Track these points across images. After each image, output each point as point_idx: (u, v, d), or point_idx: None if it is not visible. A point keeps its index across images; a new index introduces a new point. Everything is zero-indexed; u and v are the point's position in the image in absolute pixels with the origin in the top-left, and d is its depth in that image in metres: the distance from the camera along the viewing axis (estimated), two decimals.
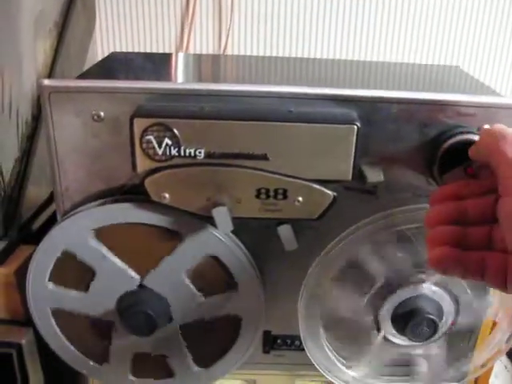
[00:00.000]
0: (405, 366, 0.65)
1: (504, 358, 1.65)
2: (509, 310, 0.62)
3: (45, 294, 0.60)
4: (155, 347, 0.62)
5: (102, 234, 0.57)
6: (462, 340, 0.66)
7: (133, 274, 0.58)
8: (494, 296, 0.61)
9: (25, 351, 0.64)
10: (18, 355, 0.63)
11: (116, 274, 0.58)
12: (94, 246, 0.57)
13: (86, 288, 0.59)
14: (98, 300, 0.59)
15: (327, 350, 0.64)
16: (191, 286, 0.59)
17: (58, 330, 0.62)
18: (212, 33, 1.06)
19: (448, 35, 1.10)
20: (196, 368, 0.64)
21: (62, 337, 0.62)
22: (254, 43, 1.07)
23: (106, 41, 1.06)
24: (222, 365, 0.64)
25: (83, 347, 0.63)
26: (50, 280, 0.59)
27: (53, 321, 0.61)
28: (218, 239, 0.56)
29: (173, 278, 0.58)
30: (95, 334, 0.62)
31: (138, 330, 0.58)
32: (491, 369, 1.17)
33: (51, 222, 0.61)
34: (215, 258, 0.58)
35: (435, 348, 0.63)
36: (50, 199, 0.76)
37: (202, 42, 1.07)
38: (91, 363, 0.64)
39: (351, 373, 0.64)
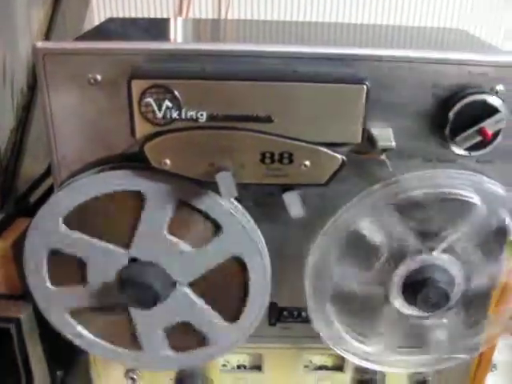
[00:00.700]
0: (420, 336, 0.63)
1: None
2: None
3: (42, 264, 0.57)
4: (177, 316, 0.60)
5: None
6: (480, 304, 0.63)
7: (120, 249, 0.56)
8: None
9: (24, 326, 0.63)
10: (17, 330, 0.62)
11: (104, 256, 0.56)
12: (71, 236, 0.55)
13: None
14: (100, 288, 0.58)
15: (335, 322, 0.62)
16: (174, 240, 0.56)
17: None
18: None
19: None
20: (169, 352, 0.62)
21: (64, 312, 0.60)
22: (255, 8, 1.04)
23: (103, 9, 1.03)
24: (247, 316, 0.60)
25: (84, 322, 0.61)
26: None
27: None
28: (222, 206, 0.54)
29: (159, 239, 0.56)
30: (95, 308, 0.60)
31: (142, 303, 0.56)
32: (495, 345, 1.16)
33: (48, 194, 0.59)
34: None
35: (452, 315, 0.61)
36: (48, 172, 0.74)
37: (202, 8, 1.04)
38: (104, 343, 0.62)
39: (366, 348, 0.62)
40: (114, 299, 0.58)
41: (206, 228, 0.56)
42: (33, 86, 0.72)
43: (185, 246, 0.56)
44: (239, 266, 0.57)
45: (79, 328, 0.61)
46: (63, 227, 0.55)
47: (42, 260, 0.57)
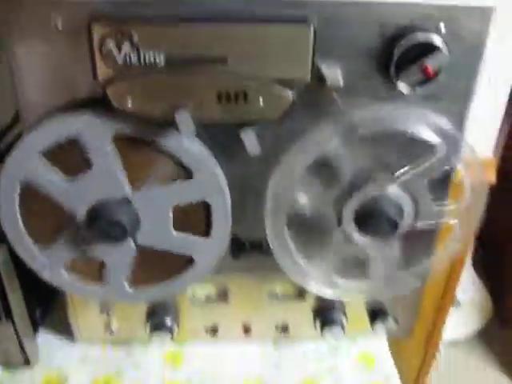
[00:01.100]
0: (361, 266, 0.68)
1: (472, 273, 1.73)
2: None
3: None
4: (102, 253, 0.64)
5: None
6: (422, 241, 0.68)
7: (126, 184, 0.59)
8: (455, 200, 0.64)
9: (1, 269, 0.65)
10: None
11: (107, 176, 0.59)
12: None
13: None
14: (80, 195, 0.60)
15: (294, 253, 0.66)
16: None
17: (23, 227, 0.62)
18: None
19: None
20: (128, 289, 0.66)
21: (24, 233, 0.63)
22: None
23: None
24: (186, 276, 0.66)
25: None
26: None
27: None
28: (181, 144, 0.57)
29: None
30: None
31: (110, 238, 0.60)
32: (456, 281, 1.23)
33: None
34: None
35: (391, 249, 0.66)
36: (14, 121, 0.76)
37: None
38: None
39: (311, 269, 0.67)
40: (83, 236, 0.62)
41: (172, 169, 0.59)
42: None
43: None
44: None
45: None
46: (40, 161, 0.58)
47: (14, 200, 0.60)
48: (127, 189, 0.59)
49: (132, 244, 0.63)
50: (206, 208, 0.61)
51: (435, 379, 1.51)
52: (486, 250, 1.86)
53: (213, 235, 0.62)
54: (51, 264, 0.64)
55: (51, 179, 0.59)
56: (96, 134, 0.57)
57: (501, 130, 1.02)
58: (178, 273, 0.65)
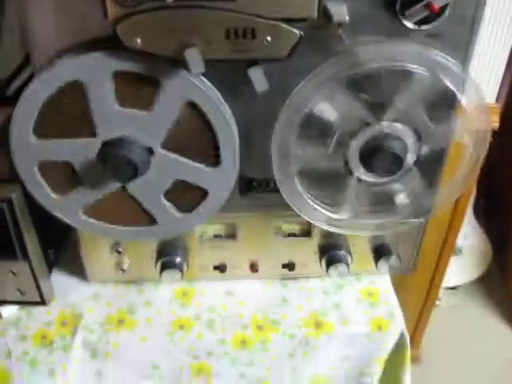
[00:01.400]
0: (384, 201, 0.69)
1: (473, 221, 1.75)
2: (472, 131, 0.65)
3: (29, 149, 0.62)
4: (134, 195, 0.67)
5: None
6: (435, 167, 0.70)
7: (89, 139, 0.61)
8: (459, 119, 0.65)
9: (15, 205, 0.67)
10: (9, 209, 0.67)
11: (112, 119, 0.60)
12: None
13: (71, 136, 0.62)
14: (85, 146, 0.62)
15: (302, 194, 0.68)
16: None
17: (41, 179, 0.65)
18: None
19: None
20: (178, 214, 0.68)
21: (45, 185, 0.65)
22: None
23: None
24: (201, 210, 0.68)
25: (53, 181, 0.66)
26: (34, 133, 0.61)
27: (36, 170, 0.64)
28: (191, 81, 0.58)
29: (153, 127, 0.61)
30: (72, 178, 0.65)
31: (119, 176, 0.61)
32: (457, 228, 1.25)
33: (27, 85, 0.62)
34: (192, 107, 0.60)
35: (410, 179, 0.68)
36: (25, 62, 0.77)
37: None
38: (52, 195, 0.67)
39: (335, 216, 0.69)
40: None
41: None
42: None
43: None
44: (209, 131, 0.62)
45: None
46: None
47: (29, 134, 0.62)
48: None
49: None
50: (214, 140, 0.62)
51: (435, 326, 1.55)
52: (487, 198, 1.87)
53: (222, 165, 0.64)
54: (73, 208, 0.68)
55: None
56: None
57: (505, 76, 1.03)
58: (198, 204, 0.67)
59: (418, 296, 1.40)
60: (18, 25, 0.60)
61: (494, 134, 1.04)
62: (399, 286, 1.22)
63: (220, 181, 0.65)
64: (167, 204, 0.67)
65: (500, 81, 1.00)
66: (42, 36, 0.58)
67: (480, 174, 1.11)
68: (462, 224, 1.24)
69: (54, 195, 0.66)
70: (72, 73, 0.58)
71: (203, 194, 0.66)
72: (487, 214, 1.89)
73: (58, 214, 0.68)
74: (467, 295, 1.83)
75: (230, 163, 0.64)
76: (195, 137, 0.62)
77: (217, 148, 0.63)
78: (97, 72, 0.58)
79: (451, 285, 1.80)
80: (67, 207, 0.67)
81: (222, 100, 0.61)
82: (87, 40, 0.58)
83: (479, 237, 1.76)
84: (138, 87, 0.59)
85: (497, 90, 1.02)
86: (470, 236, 1.74)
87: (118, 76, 0.58)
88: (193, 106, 0.60)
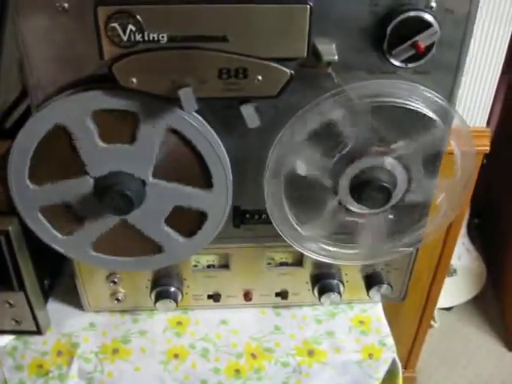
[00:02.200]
0: (350, 234, 0.71)
1: (467, 242, 1.76)
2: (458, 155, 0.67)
3: (28, 194, 0.64)
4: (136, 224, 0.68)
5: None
6: (412, 214, 0.72)
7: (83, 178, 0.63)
8: (442, 181, 0.68)
9: (12, 237, 0.68)
10: (7, 241, 0.68)
11: (99, 155, 0.62)
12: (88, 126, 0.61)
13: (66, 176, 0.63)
14: (79, 185, 0.64)
15: (292, 221, 0.69)
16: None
17: (45, 221, 0.67)
18: None
19: None
20: (182, 239, 0.69)
21: (40, 216, 0.67)
22: None
23: None
24: (203, 233, 0.69)
25: (54, 220, 0.68)
26: (29, 179, 0.64)
27: (39, 214, 0.66)
28: (184, 119, 0.60)
29: (146, 160, 0.63)
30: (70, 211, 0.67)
31: (116, 210, 0.63)
32: (451, 250, 1.26)
33: (25, 119, 0.63)
34: (185, 142, 0.62)
35: (381, 220, 0.69)
36: (20, 98, 0.78)
37: None
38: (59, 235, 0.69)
39: (304, 232, 0.70)
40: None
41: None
42: (1, 17, 0.74)
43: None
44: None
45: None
46: None
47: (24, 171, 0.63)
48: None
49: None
50: (204, 164, 0.64)
51: (430, 346, 1.55)
52: (481, 218, 1.89)
53: (215, 187, 0.65)
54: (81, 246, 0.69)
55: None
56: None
57: (497, 99, 1.05)
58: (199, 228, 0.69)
59: (413, 317, 1.40)
60: (17, 60, 0.61)
61: (486, 156, 1.06)
62: (394, 307, 1.23)
63: (216, 201, 0.66)
64: (169, 230, 0.69)
65: (490, 105, 1.02)
66: (40, 74, 0.60)
67: (473, 194, 1.13)
68: (455, 245, 1.25)
69: (60, 236, 0.68)
70: (55, 117, 0.60)
71: (202, 216, 0.68)
72: (481, 234, 1.90)
73: (69, 254, 0.70)
74: (462, 316, 1.83)
75: (222, 185, 0.65)
76: (186, 164, 0.64)
77: (208, 171, 0.64)
78: (77, 114, 0.60)
79: (446, 305, 1.81)
80: (76, 246, 0.69)
81: (210, 129, 0.62)
82: (83, 78, 0.60)
83: (473, 257, 1.76)
84: (122, 123, 0.61)
85: (487, 115, 1.04)
86: (464, 257, 1.75)
87: (99, 114, 0.60)
88: (180, 135, 0.62)
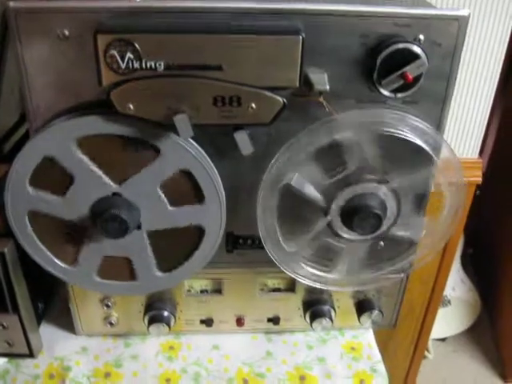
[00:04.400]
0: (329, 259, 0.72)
1: (461, 272, 1.77)
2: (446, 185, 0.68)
3: (23, 198, 0.64)
4: (121, 251, 0.69)
5: (82, 143, 0.62)
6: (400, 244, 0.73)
7: (108, 180, 0.64)
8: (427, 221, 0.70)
9: (8, 259, 0.69)
10: (2, 263, 0.69)
11: (93, 181, 0.63)
12: (75, 154, 0.62)
13: (63, 193, 0.64)
14: (74, 204, 0.65)
15: (285, 248, 0.70)
16: (161, 195, 0.65)
17: (33, 234, 0.67)
18: None
19: None
20: (159, 273, 0.70)
21: (36, 239, 0.67)
22: None
23: None
24: (184, 269, 0.70)
25: (55, 249, 0.69)
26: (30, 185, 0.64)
27: (28, 224, 0.66)
28: (180, 145, 0.61)
29: (144, 187, 0.64)
30: (68, 238, 0.68)
31: (111, 232, 0.64)
32: (444, 280, 1.26)
33: (23, 143, 0.64)
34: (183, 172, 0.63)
35: (359, 248, 0.71)
36: (19, 122, 0.80)
37: None
38: (61, 264, 0.70)
39: (287, 248, 0.70)
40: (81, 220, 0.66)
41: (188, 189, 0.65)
42: (2, 43, 0.76)
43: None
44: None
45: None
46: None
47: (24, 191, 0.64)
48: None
49: (141, 233, 0.67)
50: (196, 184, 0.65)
51: (424, 377, 1.55)
52: (475, 248, 1.89)
53: (206, 200, 0.66)
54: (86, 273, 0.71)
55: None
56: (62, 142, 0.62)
57: (490, 130, 1.06)
58: (196, 247, 0.69)
59: (407, 348, 1.41)
60: (18, 84, 0.62)
61: (478, 187, 1.08)
62: (387, 337, 1.23)
63: (211, 215, 0.67)
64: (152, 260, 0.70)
65: (482, 135, 1.04)
66: (39, 99, 0.61)
67: (467, 224, 1.14)
68: (448, 275, 1.26)
69: (65, 266, 0.69)
70: (43, 149, 0.62)
71: (200, 232, 0.68)
72: (475, 265, 1.90)
73: (76, 283, 0.72)
74: (456, 346, 1.83)
75: (214, 198, 0.66)
76: (179, 186, 0.65)
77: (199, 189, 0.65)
78: (62, 143, 0.61)
79: (440, 336, 1.81)
80: (81, 274, 0.70)
81: (205, 155, 0.64)
82: (81, 104, 0.61)
83: (467, 288, 1.77)
84: (119, 148, 0.63)
85: (479, 145, 1.06)
86: (458, 287, 1.76)
87: (93, 140, 0.61)
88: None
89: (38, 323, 0.82)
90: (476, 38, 0.90)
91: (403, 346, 1.39)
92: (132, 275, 0.71)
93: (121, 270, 0.70)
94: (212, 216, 0.66)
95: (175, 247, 0.69)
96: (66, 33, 0.57)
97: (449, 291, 1.71)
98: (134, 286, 0.72)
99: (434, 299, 1.30)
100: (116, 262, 0.70)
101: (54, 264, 0.69)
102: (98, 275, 0.71)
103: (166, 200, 0.65)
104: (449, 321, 1.77)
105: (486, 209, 1.69)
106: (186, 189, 0.65)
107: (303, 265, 0.72)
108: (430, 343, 1.73)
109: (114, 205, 0.63)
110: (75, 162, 0.62)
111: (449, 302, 1.74)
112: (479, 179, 1.07)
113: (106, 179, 0.63)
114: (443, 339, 1.83)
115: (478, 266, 1.90)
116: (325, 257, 0.72)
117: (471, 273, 1.82)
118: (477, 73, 0.95)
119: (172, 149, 0.62)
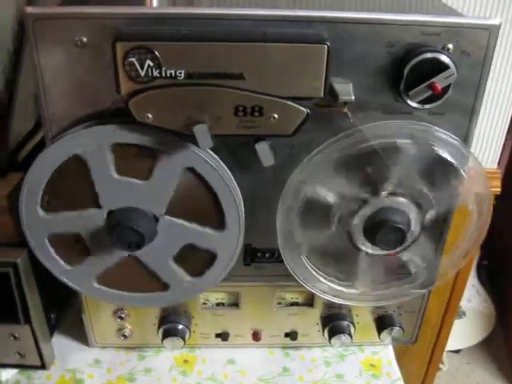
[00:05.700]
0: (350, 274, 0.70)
1: (476, 283, 1.74)
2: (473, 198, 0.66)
3: (38, 222, 0.64)
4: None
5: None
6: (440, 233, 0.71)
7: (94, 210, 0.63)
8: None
9: (20, 269, 0.67)
10: (15, 273, 0.67)
11: (114, 189, 0.62)
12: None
13: (78, 207, 0.63)
14: (91, 217, 0.63)
15: (304, 262, 0.68)
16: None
17: (52, 250, 0.66)
18: None
19: None
20: (189, 278, 0.69)
21: (52, 252, 0.66)
22: None
23: None
24: (211, 273, 0.68)
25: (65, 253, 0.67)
26: (41, 208, 0.63)
27: (47, 242, 0.65)
28: (199, 156, 0.60)
29: (160, 196, 0.63)
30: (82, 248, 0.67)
31: (126, 245, 0.62)
32: (460, 292, 1.24)
33: (37, 151, 0.63)
34: (200, 179, 0.62)
35: (419, 247, 0.68)
36: (35, 129, 0.78)
37: None
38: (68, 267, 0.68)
39: (352, 291, 0.70)
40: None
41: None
42: (18, 50, 0.75)
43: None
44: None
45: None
46: None
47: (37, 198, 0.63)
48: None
49: None
50: (218, 203, 0.64)
51: None
52: (491, 260, 1.87)
53: (228, 228, 0.65)
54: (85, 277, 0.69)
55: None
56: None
57: (506, 142, 1.05)
58: (207, 268, 0.68)
59: (422, 359, 1.39)
60: (33, 93, 0.61)
61: (496, 198, 1.06)
62: (403, 349, 1.21)
63: (227, 243, 0.66)
64: (177, 269, 0.68)
65: (501, 146, 1.02)
66: (56, 107, 0.60)
67: None
68: (465, 287, 1.24)
69: (66, 266, 0.67)
70: (73, 148, 0.60)
71: (212, 256, 0.67)
72: (490, 276, 1.88)
73: (71, 284, 0.69)
74: (471, 359, 1.81)
75: (235, 226, 0.65)
76: (199, 202, 0.64)
77: (221, 211, 0.64)
78: (95, 145, 0.60)
79: (455, 348, 1.79)
80: (80, 277, 0.68)
81: (226, 168, 0.62)
82: (98, 112, 0.60)
83: (483, 299, 1.75)
84: (138, 158, 0.61)
85: (498, 156, 1.04)
86: (473, 299, 1.74)
87: (115, 148, 0.60)
88: (195, 173, 0.61)
89: (51, 334, 0.81)
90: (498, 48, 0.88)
91: (418, 358, 1.37)
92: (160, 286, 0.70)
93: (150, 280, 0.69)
94: (229, 236, 0.65)
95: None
96: (84, 39, 0.56)
97: (464, 302, 1.69)
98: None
99: (450, 311, 1.29)
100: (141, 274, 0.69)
101: (58, 265, 0.68)
102: (98, 281, 0.69)
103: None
104: (463, 333, 1.75)
105: (502, 219, 1.66)
106: (203, 202, 0.64)
107: (322, 279, 0.70)
108: (444, 355, 1.71)
109: (131, 216, 0.62)
110: (102, 166, 0.61)
111: (464, 313, 1.72)
112: (498, 189, 1.06)
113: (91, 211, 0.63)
114: (457, 351, 1.80)
115: (494, 278, 1.87)
116: (345, 271, 0.70)
117: (486, 284, 1.80)
118: (497, 81, 0.93)
119: (190, 160, 0.60)
